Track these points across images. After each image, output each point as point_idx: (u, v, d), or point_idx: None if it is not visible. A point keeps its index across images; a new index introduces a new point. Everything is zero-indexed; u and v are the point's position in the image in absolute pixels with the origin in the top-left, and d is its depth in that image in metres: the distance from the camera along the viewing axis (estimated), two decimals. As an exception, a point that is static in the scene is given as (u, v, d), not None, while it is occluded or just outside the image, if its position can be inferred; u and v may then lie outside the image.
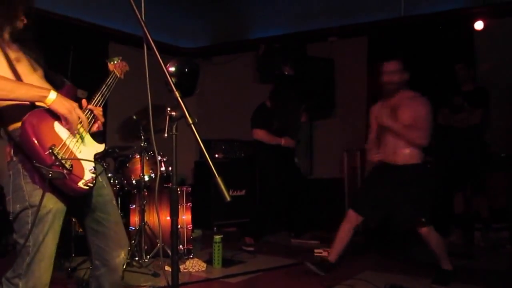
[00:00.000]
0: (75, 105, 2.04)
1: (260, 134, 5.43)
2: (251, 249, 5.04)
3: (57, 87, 2.13)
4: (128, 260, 4.12)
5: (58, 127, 2.01)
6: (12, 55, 2.04)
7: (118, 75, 2.52)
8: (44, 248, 2.00)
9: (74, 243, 4.41)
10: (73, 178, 1.95)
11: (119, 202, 4.68)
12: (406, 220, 3.90)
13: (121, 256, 2.33)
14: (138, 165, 4.49)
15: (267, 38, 7.27)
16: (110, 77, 2.46)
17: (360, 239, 5.68)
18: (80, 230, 4.38)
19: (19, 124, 1.94)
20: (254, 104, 5.64)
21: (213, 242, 4.38)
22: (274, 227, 6.02)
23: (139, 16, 1.82)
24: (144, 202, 4.46)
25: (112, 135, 4.69)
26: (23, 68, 2.07)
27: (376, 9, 6.44)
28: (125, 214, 4.77)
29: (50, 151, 1.90)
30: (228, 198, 1.63)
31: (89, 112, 2.19)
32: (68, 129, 2.03)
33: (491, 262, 4.57)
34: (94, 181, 2.04)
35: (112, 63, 2.58)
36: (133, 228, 4.66)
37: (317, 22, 6.89)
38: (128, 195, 4.78)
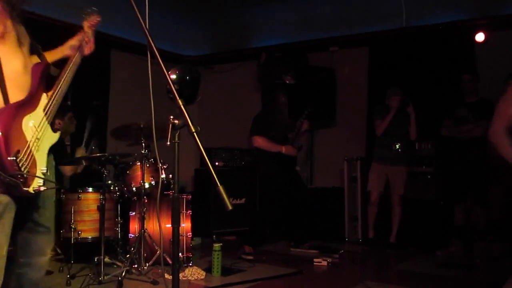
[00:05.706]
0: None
1: (259, 141, 5.30)
2: (251, 257, 5.01)
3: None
4: (128, 268, 4.12)
5: (25, 124, 1.92)
6: None
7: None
8: None
9: (74, 250, 4.40)
10: (25, 184, 1.89)
11: (118, 209, 4.69)
12: None
13: (49, 255, 2.26)
14: (139, 172, 4.49)
15: (269, 47, 7.30)
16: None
17: (359, 249, 5.70)
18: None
19: None
20: (255, 113, 5.63)
21: (212, 251, 4.36)
22: (274, 236, 6.01)
23: (143, 24, 1.83)
24: (144, 210, 4.46)
25: (113, 141, 4.69)
26: (8, 47, 1.95)
27: (378, 19, 6.47)
28: (125, 221, 4.76)
29: (15, 159, 1.82)
30: (230, 207, 1.63)
31: (54, 99, 2.11)
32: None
33: (490, 274, 4.55)
34: (42, 188, 1.96)
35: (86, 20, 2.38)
36: (133, 236, 4.65)
37: (319, 32, 6.93)
38: (128, 202, 4.77)
